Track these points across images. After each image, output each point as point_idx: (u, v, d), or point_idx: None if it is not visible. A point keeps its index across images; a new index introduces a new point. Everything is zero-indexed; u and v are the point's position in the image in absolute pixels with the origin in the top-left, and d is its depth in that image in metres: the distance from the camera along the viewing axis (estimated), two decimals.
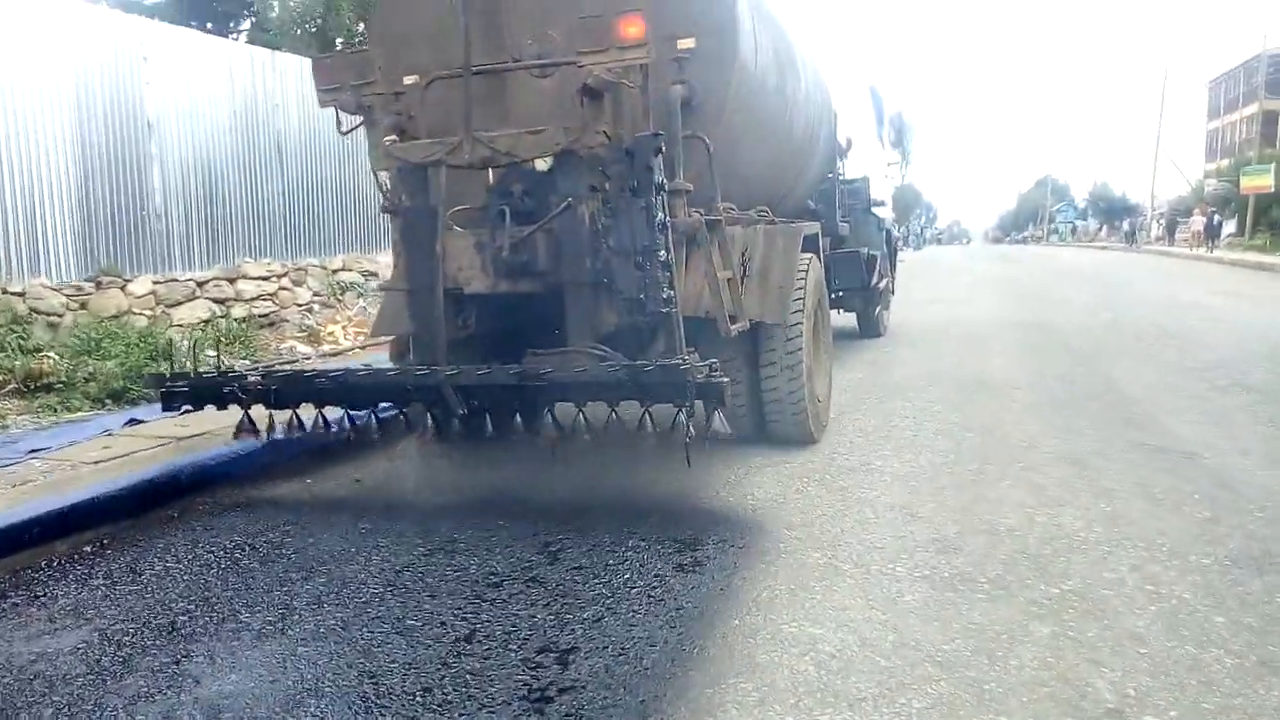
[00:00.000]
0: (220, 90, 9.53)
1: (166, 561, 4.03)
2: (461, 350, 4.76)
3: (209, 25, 18.86)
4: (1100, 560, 3.62)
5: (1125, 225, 53.07)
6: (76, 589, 3.73)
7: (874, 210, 10.52)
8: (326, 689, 2.80)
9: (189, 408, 4.70)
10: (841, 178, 9.37)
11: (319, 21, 14.33)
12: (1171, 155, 56.53)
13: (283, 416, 4.64)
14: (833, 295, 8.59)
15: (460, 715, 2.62)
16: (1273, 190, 32.73)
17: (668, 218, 4.19)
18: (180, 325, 8.47)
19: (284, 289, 9.99)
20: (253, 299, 9.49)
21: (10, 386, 6.27)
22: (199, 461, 5.05)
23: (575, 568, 3.72)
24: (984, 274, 25.43)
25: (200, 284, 9.01)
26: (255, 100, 9.96)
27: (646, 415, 3.92)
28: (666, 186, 4.21)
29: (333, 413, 4.64)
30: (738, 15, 5.02)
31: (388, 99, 4.88)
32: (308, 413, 4.61)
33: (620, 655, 2.94)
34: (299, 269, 10.35)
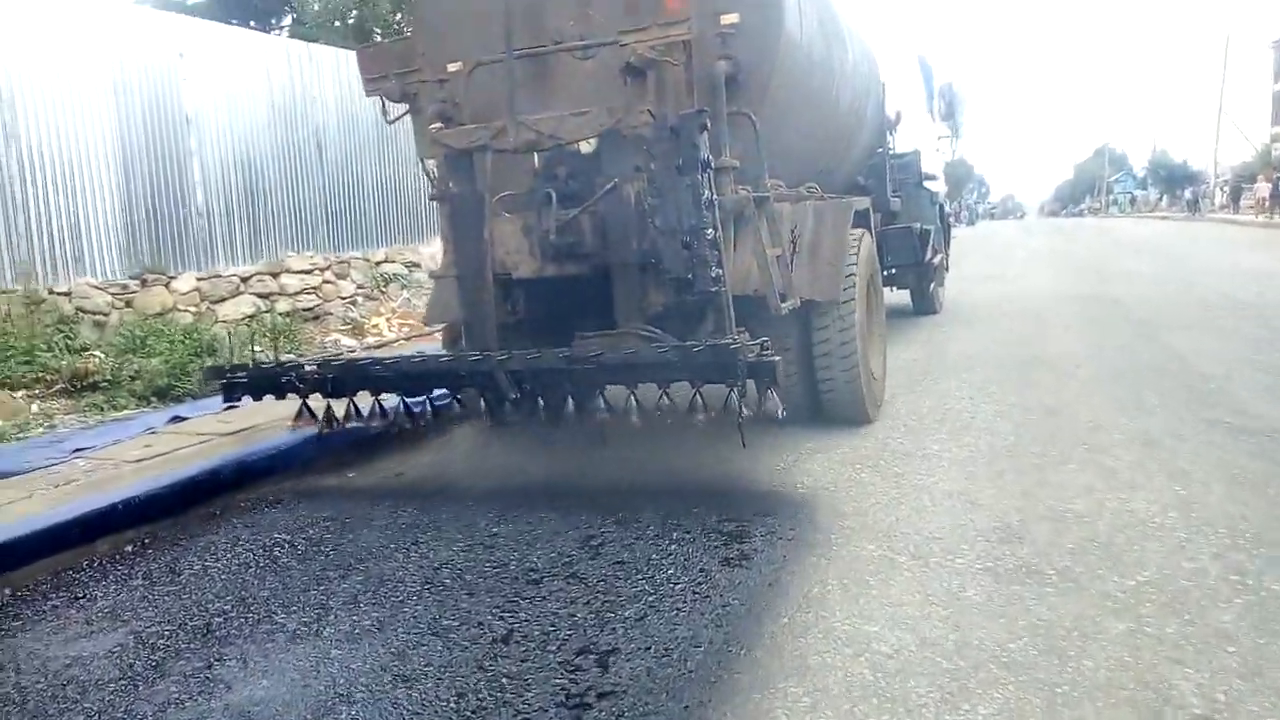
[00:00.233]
0: (258, 85, 9.54)
1: (206, 560, 3.98)
2: (512, 335, 4.75)
3: (251, 22, 19.05)
4: (1178, 548, 3.38)
5: (1187, 194, 51.35)
6: (115, 590, 3.70)
7: (926, 184, 10.26)
8: (358, 695, 2.70)
9: (249, 398, 4.72)
10: (891, 152, 9.13)
11: (355, 14, 14.32)
12: (1235, 119, 54.44)
13: (339, 406, 4.63)
14: (885, 272, 8.45)
15: None
16: None
17: (714, 195, 4.09)
18: (225, 321, 8.50)
19: (327, 282, 10.00)
20: (296, 293, 9.51)
21: (58, 386, 6.32)
22: (240, 458, 5.02)
23: (617, 562, 3.58)
24: (1040, 248, 24.76)
25: (244, 279, 9.04)
26: (293, 94, 9.96)
27: (698, 396, 3.84)
28: (713, 164, 4.11)
29: (388, 401, 4.64)
30: None
31: (432, 86, 4.89)
32: (364, 401, 4.60)
33: (663, 657, 2.79)
34: (342, 262, 10.36)
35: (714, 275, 4.08)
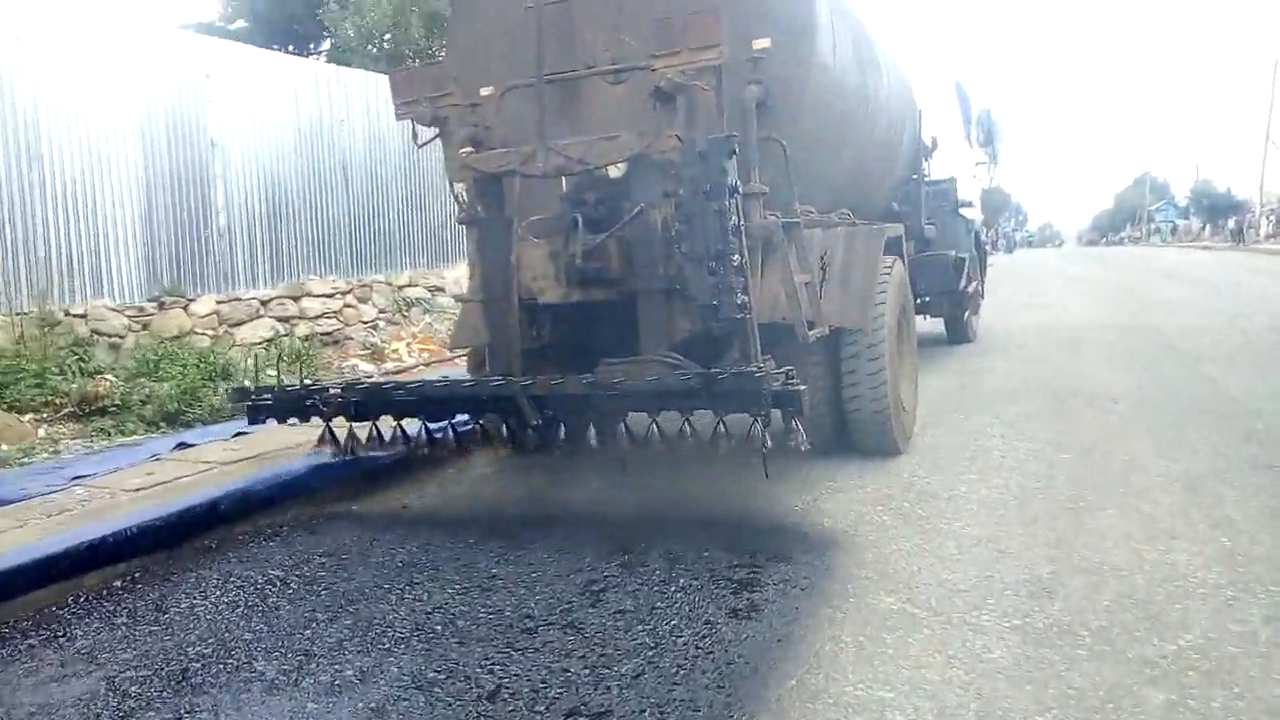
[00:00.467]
0: (285, 107, 9.54)
1: (194, 598, 3.82)
2: (537, 360, 4.77)
3: (290, 47, 19.31)
4: (1224, 608, 3.11)
5: (1231, 223, 50.33)
6: (96, 628, 3.55)
7: (961, 212, 10.06)
8: None
9: (273, 420, 4.69)
10: (927, 178, 9.02)
11: (388, 37, 14.40)
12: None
13: (361, 430, 4.61)
14: (919, 300, 8.34)
15: None
16: None
17: (742, 221, 4.05)
18: (242, 344, 8.44)
19: (349, 306, 9.93)
20: (317, 317, 9.45)
21: (67, 410, 6.25)
22: (242, 488, 4.86)
23: (618, 611, 3.37)
24: (1079, 276, 24.28)
25: (264, 303, 8.99)
26: (320, 117, 9.95)
27: (721, 424, 3.76)
28: (741, 189, 4.07)
29: (410, 426, 4.62)
30: (815, 13, 4.86)
31: (463, 110, 4.90)
32: (386, 425, 4.58)
33: None
34: (364, 286, 10.29)
35: (740, 302, 4.00)
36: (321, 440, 4.62)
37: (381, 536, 4.52)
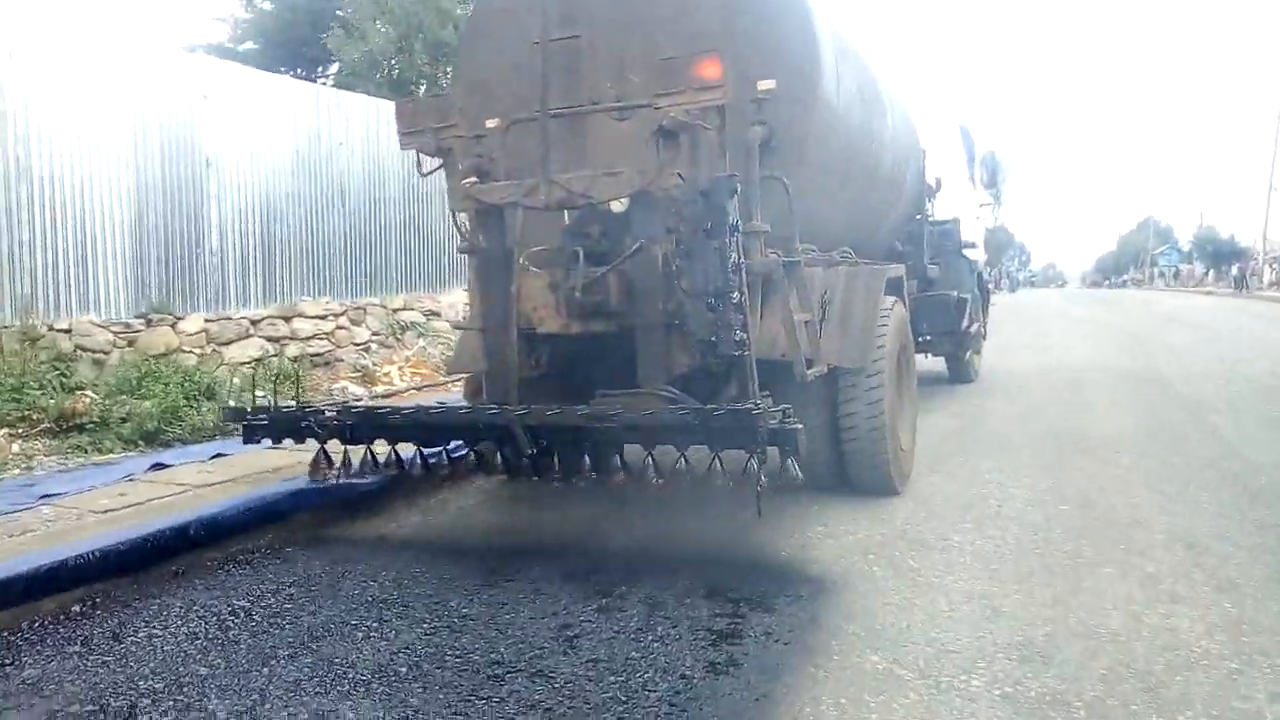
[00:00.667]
0: (283, 128, 9.47)
1: (153, 628, 3.67)
2: (534, 389, 4.78)
3: (298, 70, 19.36)
4: (1227, 681, 2.95)
5: (1234, 270, 50.33)
6: (47, 657, 3.39)
7: (965, 252, 10.11)
8: None
9: (268, 440, 4.65)
10: (930, 219, 9.06)
11: (393, 63, 14.39)
12: None
13: (355, 454, 4.55)
14: (921, 339, 8.37)
15: None
16: None
17: (742, 259, 4.05)
18: (230, 364, 8.30)
19: (341, 328, 9.80)
20: (308, 338, 9.31)
21: (43, 425, 6.10)
22: (214, 513, 4.71)
23: (591, 660, 3.22)
24: (1082, 318, 24.20)
25: (254, 322, 8.86)
26: (319, 138, 9.88)
27: (716, 460, 3.72)
28: (742, 228, 4.09)
29: (404, 450, 4.56)
30: (820, 55, 4.88)
31: (468, 142, 4.93)
32: (380, 449, 4.52)
33: None
34: (358, 308, 10.16)
35: (738, 339, 4.00)
36: (315, 462, 4.57)
37: (354, 567, 4.37)
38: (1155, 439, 6.98)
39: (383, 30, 14.72)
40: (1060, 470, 6.00)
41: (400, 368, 9.77)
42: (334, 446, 4.55)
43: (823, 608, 3.66)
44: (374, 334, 10.25)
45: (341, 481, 5.27)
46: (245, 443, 4.67)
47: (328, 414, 4.52)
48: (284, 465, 5.77)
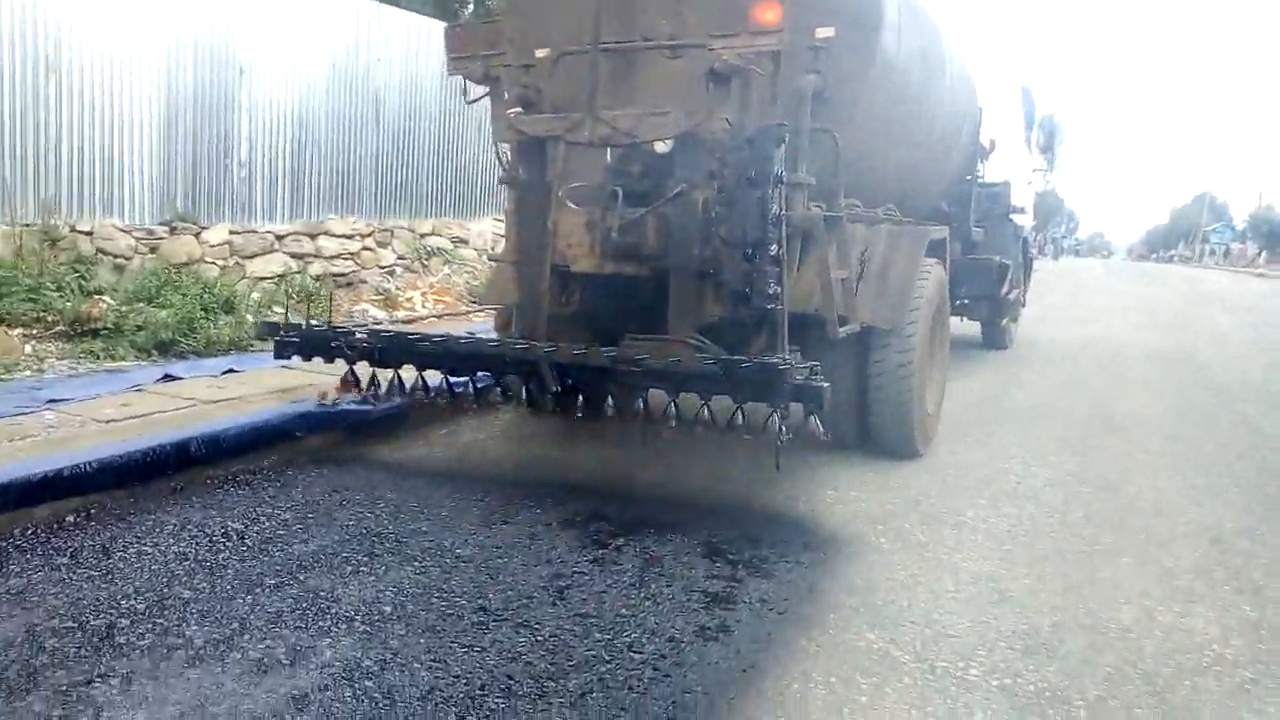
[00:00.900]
0: (320, 40, 9.24)
1: (144, 544, 3.64)
2: (564, 326, 4.78)
3: None
4: (1239, 690, 2.81)
5: None
6: (34, 567, 3.36)
7: (1012, 217, 9.81)
8: None
9: (298, 357, 4.69)
10: (980, 180, 8.78)
11: None
12: None
13: (384, 376, 4.61)
14: (958, 302, 8.26)
15: None
16: None
17: (783, 211, 4.02)
18: (252, 277, 8.24)
19: (367, 249, 9.68)
20: (333, 257, 9.21)
21: (58, 328, 6.08)
22: (218, 431, 4.68)
23: (580, 614, 3.13)
24: (1125, 293, 23.61)
25: (279, 237, 8.76)
26: (357, 53, 9.63)
27: (739, 412, 3.73)
28: (785, 179, 4.05)
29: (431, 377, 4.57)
30: (883, 7, 4.71)
31: (516, 71, 4.86)
32: (409, 374, 4.56)
33: None
34: (385, 230, 10.02)
35: (772, 292, 4.00)
36: (345, 381, 4.62)
37: (353, 496, 4.32)
38: (1187, 424, 6.75)
39: None
40: (1086, 450, 5.81)
41: (424, 294, 9.68)
42: (362, 369, 4.57)
43: (823, 578, 3.54)
44: (400, 258, 10.14)
45: (353, 406, 5.29)
46: (276, 358, 4.74)
47: (358, 335, 4.54)
48: (295, 386, 5.72)
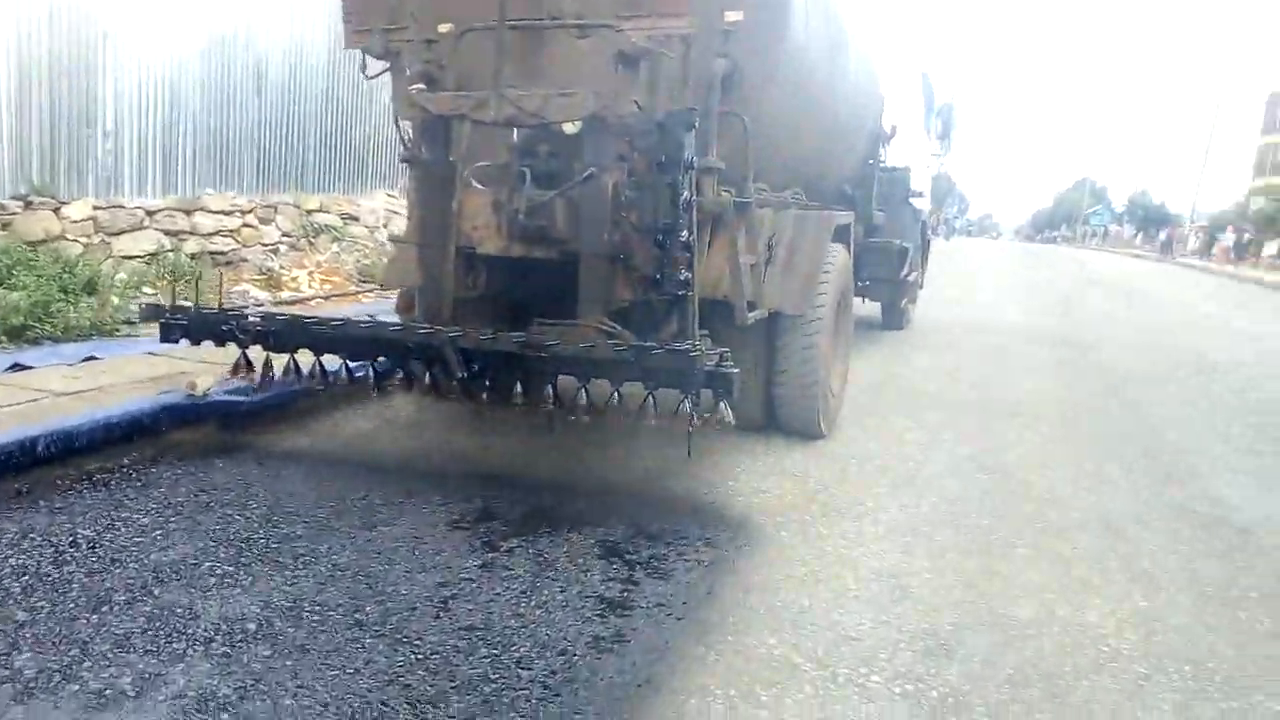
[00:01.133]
0: (195, 3, 8.60)
1: None
2: (469, 309, 4.67)
3: None
4: (1135, 689, 2.80)
5: (1162, 235, 51.52)
6: None
7: (911, 201, 10.03)
8: None
9: (185, 341, 4.45)
10: (882, 165, 8.95)
11: None
12: (1217, 168, 54.84)
13: (279, 361, 4.38)
14: (860, 284, 8.39)
15: None
16: None
17: (694, 197, 3.97)
18: (119, 257, 7.65)
19: (248, 226, 9.12)
20: (211, 234, 8.64)
21: None
22: (71, 426, 4.27)
23: (465, 627, 2.93)
24: (1012, 273, 24.42)
25: (150, 213, 8.13)
26: (235, 18, 9.02)
27: (650, 398, 3.67)
28: (696, 164, 4.00)
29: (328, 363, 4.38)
30: None
31: (418, 46, 4.63)
32: (305, 359, 4.35)
33: None
34: (268, 206, 9.46)
35: (683, 278, 3.96)
36: (237, 366, 4.40)
37: (222, 496, 3.99)
38: (1076, 408, 6.91)
39: None
40: (980, 435, 5.86)
41: (310, 273, 9.20)
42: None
43: (722, 577, 3.42)
44: (284, 235, 9.60)
45: (225, 397, 4.94)
46: (161, 341, 4.49)
47: (251, 318, 4.33)
48: (163, 375, 5.32)
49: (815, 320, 5.14)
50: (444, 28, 4.60)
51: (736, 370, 3.54)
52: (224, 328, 4.30)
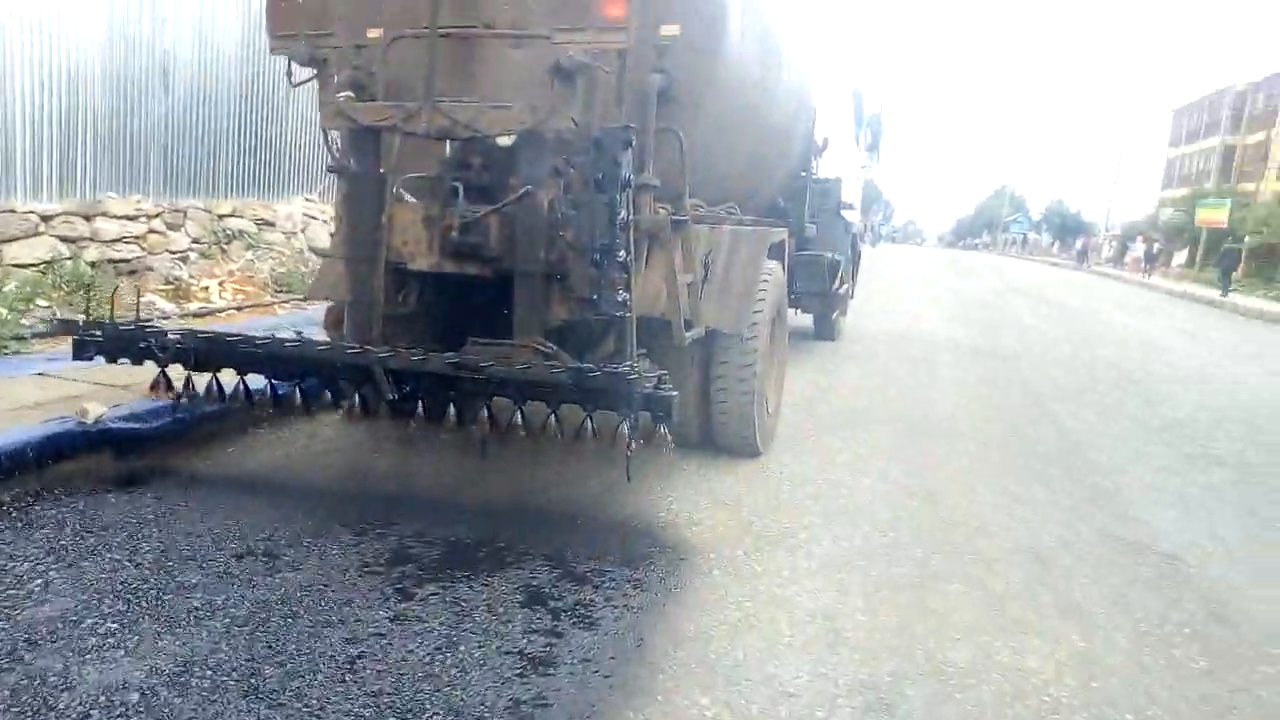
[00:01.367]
0: None
1: None
2: (401, 326, 4.60)
3: None
4: None
5: (1078, 244, 53.21)
6: None
7: (843, 213, 10.04)
8: None
9: (101, 359, 4.27)
10: (814, 177, 8.95)
11: None
12: (1129, 179, 57.01)
13: (200, 380, 4.27)
14: (792, 296, 8.40)
15: None
16: (1225, 226, 32.73)
17: (631, 215, 3.91)
18: (10, 265, 7.14)
19: (155, 232, 8.61)
20: (113, 241, 8.11)
21: None
22: None
23: (371, 693, 2.70)
24: (937, 282, 24.88)
25: (45, 218, 7.60)
26: (140, 9, 8.51)
27: (588, 421, 3.65)
28: (633, 182, 3.94)
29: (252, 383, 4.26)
30: (726, 5, 4.54)
31: (346, 52, 4.52)
32: (228, 378, 4.25)
33: None
34: (177, 210, 8.95)
35: (620, 299, 3.90)
36: (155, 385, 4.28)
37: (111, 538, 3.68)
38: (1001, 427, 6.93)
39: None
40: (908, 456, 5.81)
41: (222, 282, 8.76)
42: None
43: (652, 626, 3.24)
44: (195, 242, 9.11)
45: (120, 425, 4.64)
46: (74, 358, 4.31)
47: (171, 335, 4.20)
48: (53, 399, 4.93)
49: (752, 339, 5.10)
50: (373, 34, 4.50)
51: (675, 393, 3.49)
52: (142, 345, 4.14)
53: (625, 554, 3.87)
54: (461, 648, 2.98)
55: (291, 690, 2.67)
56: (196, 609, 3.13)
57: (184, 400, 4.32)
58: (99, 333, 4.22)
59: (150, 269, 8.37)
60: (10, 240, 7.30)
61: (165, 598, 3.20)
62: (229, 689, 2.66)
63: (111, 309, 4.66)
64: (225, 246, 9.34)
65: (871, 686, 2.93)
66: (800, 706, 2.78)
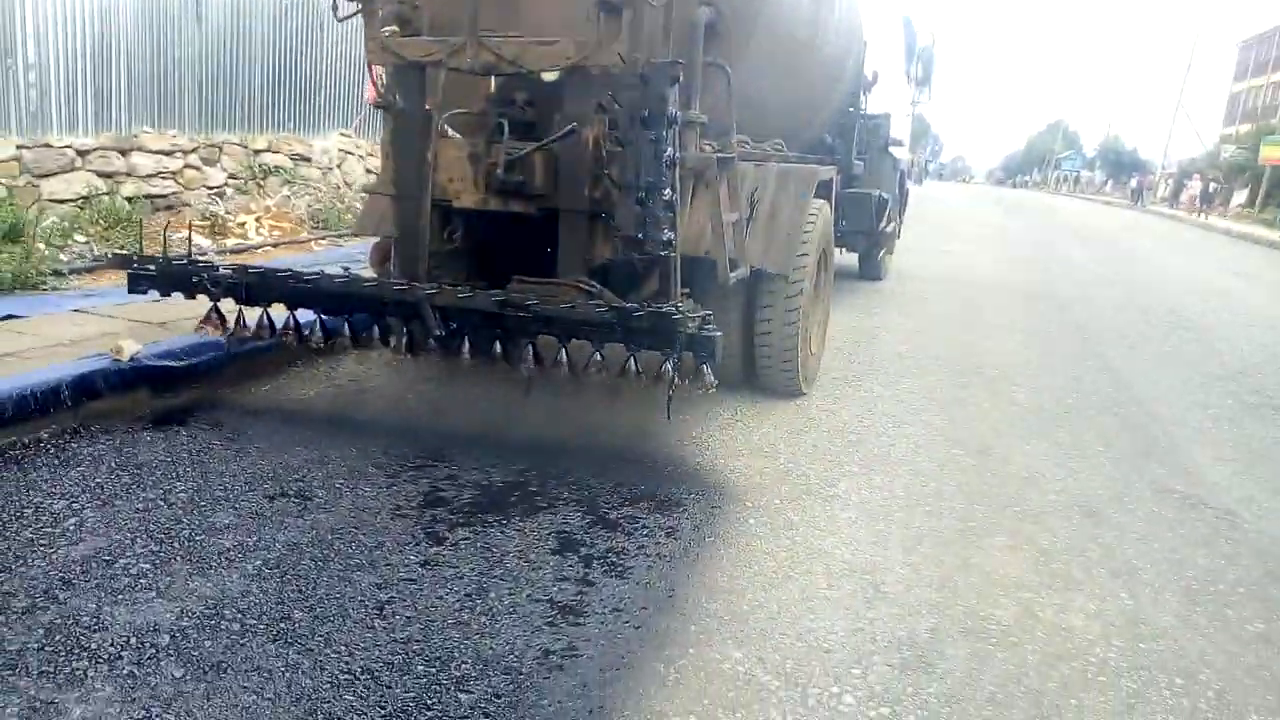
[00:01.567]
0: None
1: None
2: (446, 263, 4.60)
3: None
4: (1124, 709, 2.60)
5: (1134, 182, 51.53)
6: None
7: (891, 150, 9.73)
8: None
9: (155, 293, 4.37)
10: (863, 113, 8.72)
11: None
12: (1190, 115, 54.87)
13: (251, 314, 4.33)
14: (838, 234, 8.15)
15: None
16: None
17: (677, 153, 3.81)
18: (47, 200, 7.15)
19: (191, 167, 8.58)
20: (149, 176, 8.10)
21: None
22: None
23: (400, 640, 2.67)
24: (986, 222, 24.26)
25: (82, 153, 7.58)
26: None
27: (632, 360, 3.68)
28: (680, 119, 3.82)
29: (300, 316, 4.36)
30: None
31: None
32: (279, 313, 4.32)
33: None
34: (212, 145, 8.91)
35: (666, 239, 3.83)
36: (208, 319, 4.35)
37: (146, 477, 3.67)
38: (1052, 373, 6.72)
39: None
40: (956, 406, 5.65)
41: (259, 219, 8.72)
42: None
43: (685, 576, 3.17)
44: (231, 177, 9.07)
45: (153, 362, 4.63)
46: (129, 292, 4.39)
47: (223, 271, 4.26)
48: (90, 336, 4.94)
49: (797, 280, 5.03)
50: None
51: (719, 334, 3.50)
52: (195, 280, 4.20)
53: (659, 500, 3.80)
54: (491, 594, 2.93)
55: (320, 635, 2.64)
56: (227, 550, 3.12)
57: (234, 335, 4.38)
58: (152, 268, 4.29)
59: (186, 205, 8.36)
60: (47, 175, 7.30)
61: (197, 539, 3.19)
62: (258, 633, 2.64)
63: (165, 245, 4.69)
64: (261, 182, 9.30)
65: (910, 643, 2.84)
66: (835, 662, 2.70)
